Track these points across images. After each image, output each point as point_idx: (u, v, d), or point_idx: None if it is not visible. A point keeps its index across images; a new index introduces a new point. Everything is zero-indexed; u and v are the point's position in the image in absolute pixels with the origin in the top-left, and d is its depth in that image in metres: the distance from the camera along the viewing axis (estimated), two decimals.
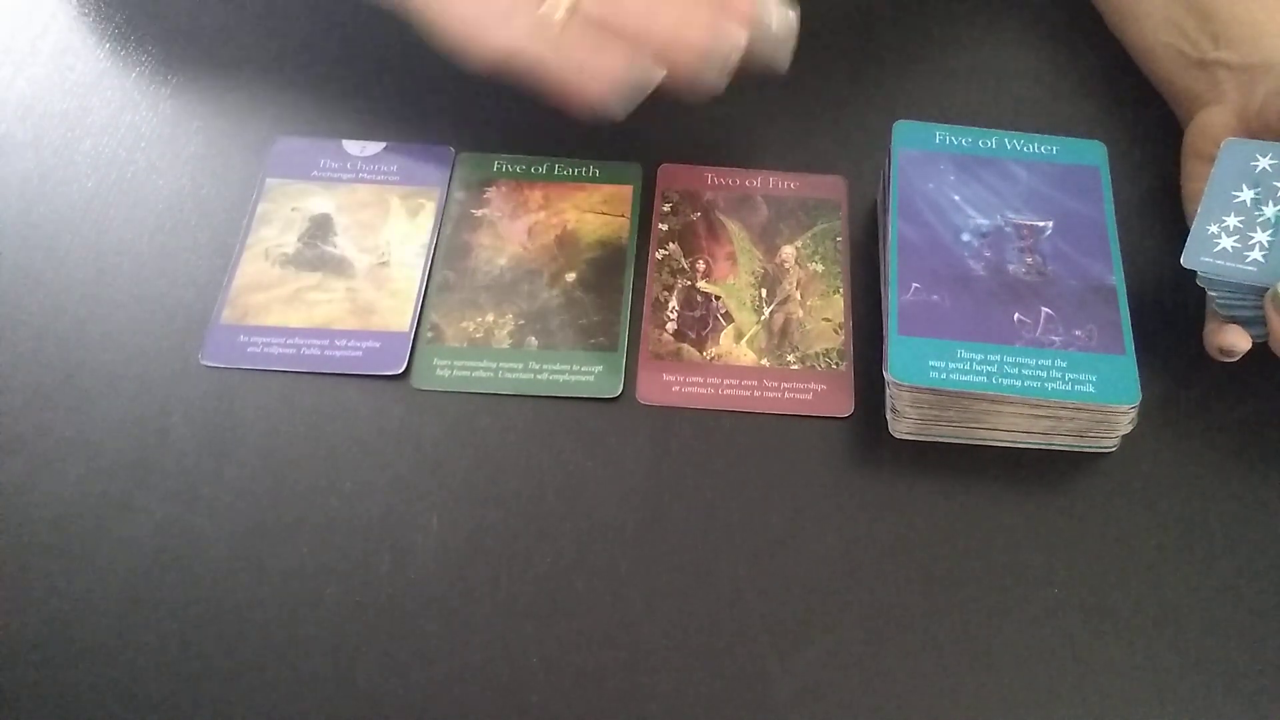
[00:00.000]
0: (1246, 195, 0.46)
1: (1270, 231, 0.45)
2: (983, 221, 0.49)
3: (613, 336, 0.50)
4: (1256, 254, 0.45)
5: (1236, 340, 0.45)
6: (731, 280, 0.52)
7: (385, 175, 0.55)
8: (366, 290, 0.51)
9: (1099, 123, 0.57)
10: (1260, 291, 0.44)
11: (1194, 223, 0.46)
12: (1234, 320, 0.46)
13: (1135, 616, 0.43)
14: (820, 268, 0.52)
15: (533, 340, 0.50)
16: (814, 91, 0.59)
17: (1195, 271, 0.45)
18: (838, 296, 0.51)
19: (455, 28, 0.47)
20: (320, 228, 0.53)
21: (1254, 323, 0.45)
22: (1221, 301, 0.46)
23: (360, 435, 0.47)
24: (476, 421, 0.48)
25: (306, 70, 0.59)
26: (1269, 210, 0.46)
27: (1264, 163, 0.46)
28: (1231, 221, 0.46)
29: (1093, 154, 0.51)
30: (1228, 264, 0.45)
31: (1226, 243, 0.45)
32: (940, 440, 0.47)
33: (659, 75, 0.46)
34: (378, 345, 0.49)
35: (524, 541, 0.45)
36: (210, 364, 0.49)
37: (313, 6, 0.62)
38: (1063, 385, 0.44)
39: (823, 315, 0.51)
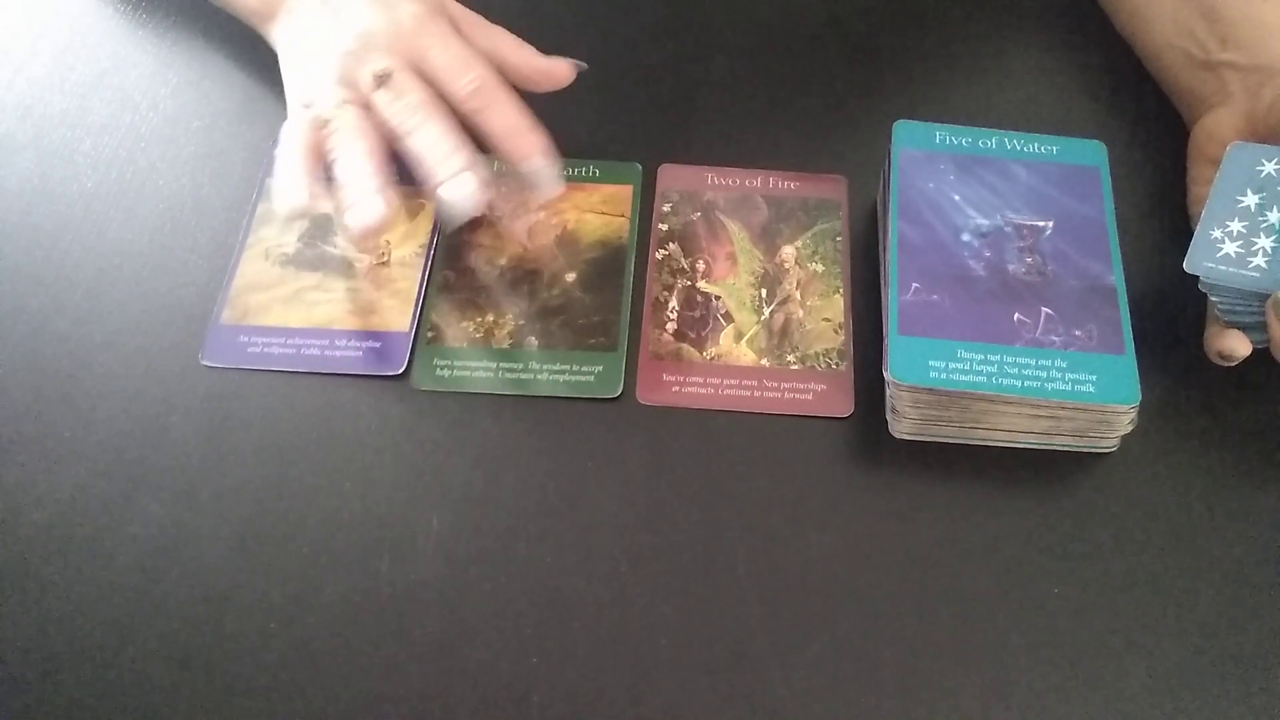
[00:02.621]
0: (1251, 200, 0.46)
1: (1274, 237, 0.45)
2: (983, 221, 0.49)
3: (613, 336, 0.50)
4: (1260, 260, 0.45)
5: (1236, 345, 0.45)
6: (731, 280, 0.52)
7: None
8: (366, 290, 0.51)
9: (1099, 123, 0.57)
10: (1262, 298, 0.44)
11: (1197, 227, 0.46)
12: (1235, 325, 0.46)
13: (1135, 616, 0.43)
14: (820, 268, 0.52)
15: (533, 340, 0.50)
16: (814, 91, 0.59)
17: (1198, 276, 0.45)
18: (838, 296, 0.51)
19: (284, 77, 0.52)
20: (320, 228, 0.53)
21: (1255, 328, 0.45)
22: (1223, 307, 0.46)
23: (360, 435, 0.47)
24: (476, 421, 0.48)
25: None
26: (1273, 216, 0.46)
27: (1269, 167, 0.46)
28: (1235, 227, 0.46)
29: (1093, 154, 0.51)
30: (1230, 269, 0.45)
31: (1230, 248, 0.45)
32: (940, 440, 0.47)
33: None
34: (378, 345, 0.49)
35: (524, 541, 0.45)
36: (210, 364, 0.49)
37: None
38: (1063, 385, 0.44)
39: (823, 315, 0.51)
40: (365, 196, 0.45)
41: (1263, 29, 0.51)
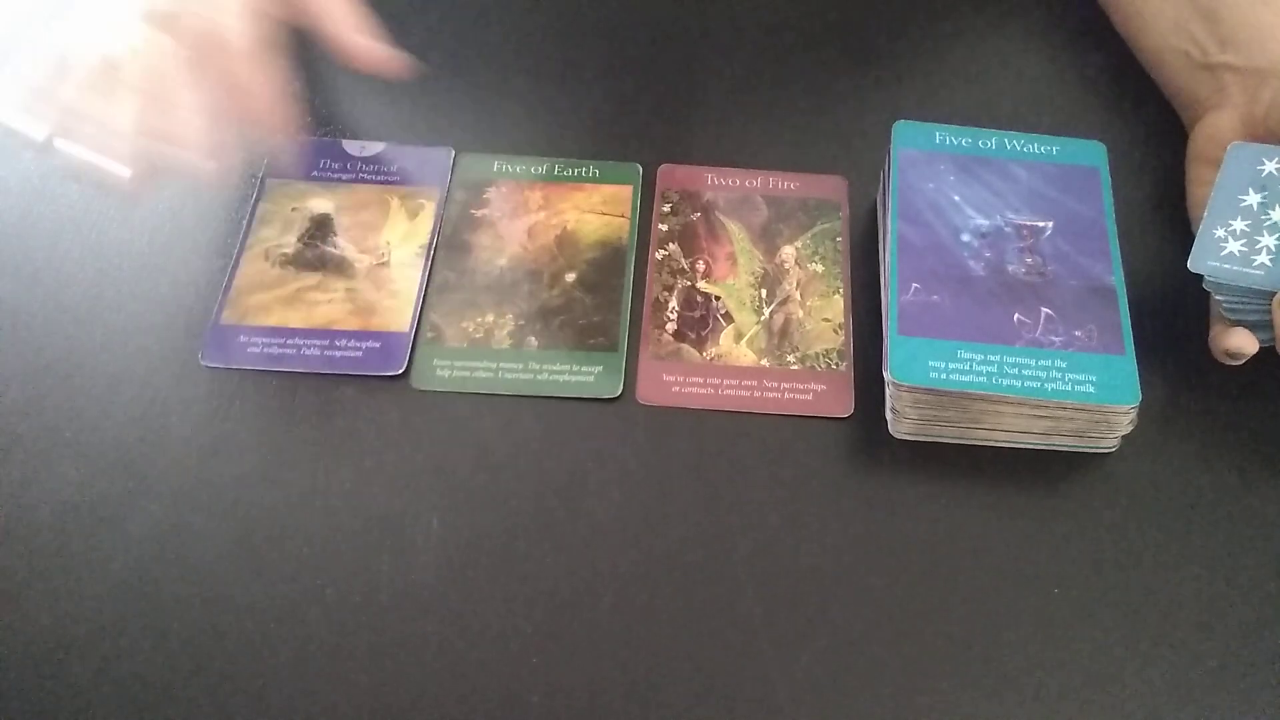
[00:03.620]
0: (1253, 199, 0.46)
1: (1277, 235, 0.45)
2: (983, 222, 0.49)
3: (613, 336, 0.50)
4: (1264, 258, 0.45)
5: (1244, 343, 0.45)
6: (731, 280, 0.52)
7: (385, 175, 0.55)
8: (366, 290, 0.51)
9: (1099, 123, 0.57)
10: (1267, 295, 0.44)
11: (1200, 227, 0.46)
12: (1240, 324, 0.46)
13: (1135, 616, 0.43)
14: (820, 268, 0.52)
15: (533, 340, 0.50)
16: (814, 91, 0.59)
17: (1199, 274, 0.45)
18: (838, 296, 0.51)
19: None
20: (320, 228, 0.53)
21: (1260, 326, 0.45)
22: (1228, 305, 0.46)
23: (360, 435, 0.47)
24: (476, 421, 0.48)
25: (308, 70, 0.59)
26: (1276, 214, 0.46)
27: (1270, 166, 0.46)
28: (1238, 225, 0.46)
29: (1093, 154, 0.51)
30: (1235, 268, 0.45)
31: (1233, 247, 0.45)
32: (940, 440, 0.47)
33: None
34: (378, 345, 0.49)
35: (524, 541, 0.45)
36: (210, 364, 0.49)
37: None
38: (1063, 385, 0.44)
39: (823, 315, 0.51)
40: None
41: (1261, 30, 0.51)
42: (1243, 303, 0.45)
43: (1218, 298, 0.46)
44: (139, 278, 0.51)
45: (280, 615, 0.43)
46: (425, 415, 0.48)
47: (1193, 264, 0.45)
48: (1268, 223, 0.46)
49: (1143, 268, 0.51)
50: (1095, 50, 0.60)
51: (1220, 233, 0.46)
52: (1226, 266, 0.45)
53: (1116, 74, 0.59)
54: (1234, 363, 0.46)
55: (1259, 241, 0.45)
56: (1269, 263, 0.45)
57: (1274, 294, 0.44)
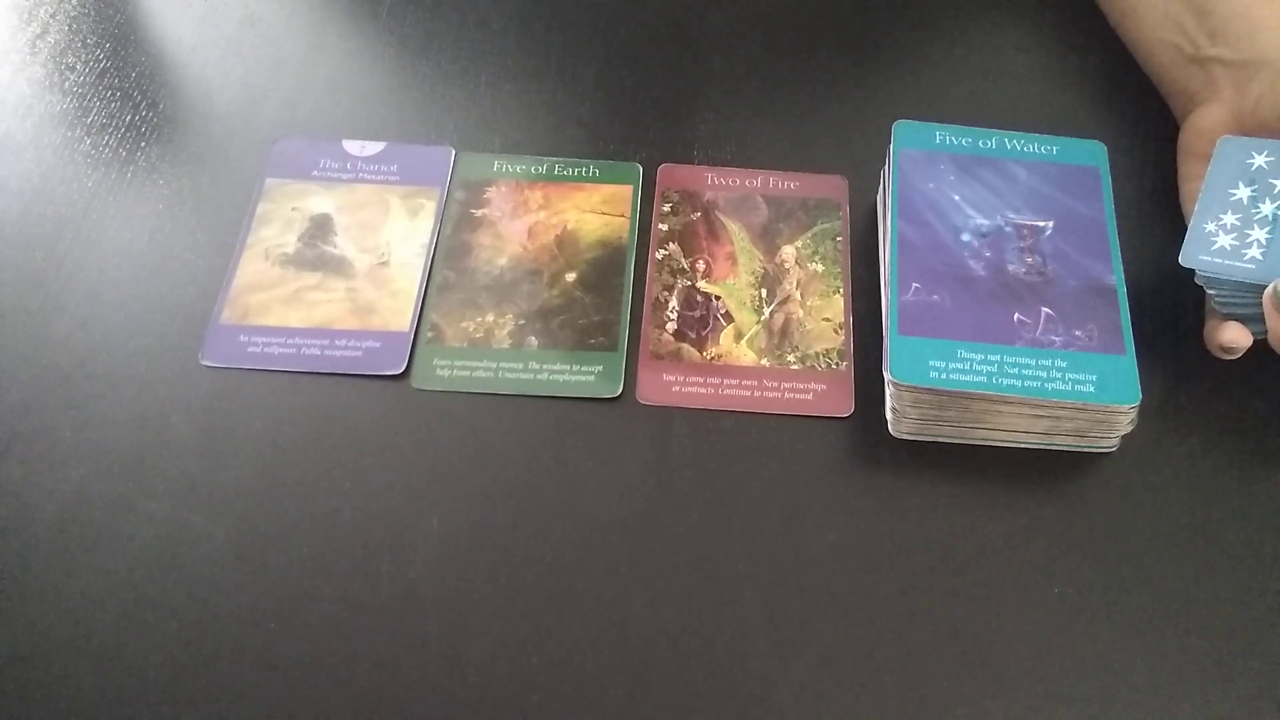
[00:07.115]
0: (1243, 193, 0.46)
1: (1268, 229, 0.45)
2: (983, 221, 0.49)
3: (613, 336, 0.50)
4: (1254, 251, 0.45)
5: (1237, 337, 0.45)
6: (731, 280, 0.52)
7: (385, 175, 0.55)
8: (366, 290, 0.51)
9: (1099, 123, 0.57)
10: (1259, 289, 0.44)
11: (1191, 221, 0.46)
12: (1233, 318, 0.46)
13: (1135, 616, 0.43)
14: (820, 268, 0.52)
15: (533, 340, 0.50)
16: (814, 91, 0.59)
17: (1194, 270, 0.45)
18: (838, 296, 0.51)
19: None
20: (320, 228, 0.53)
21: (1254, 320, 0.45)
22: (1220, 299, 0.46)
23: (360, 435, 0.47)
24: (476, 421, 0.48)
25: (307, 70, 0.59)
26: (1266, 208, 0.46)
27: (1260, 160, 0.46)
28: (1229, 219, 0.46)
29: (1093, 154, 0.51)
30: (1226, 262, 0.45)
31: (1224, 240, 0.45)
32: (940, 440, 0.47)
33: None
34: (378, 345, 0.49)
35: (524, 541, 0.44)
36: (210, 364, 0.49)
37: (312, 5, 0.62)
38: (1063, 385, 0.44)
39: (823, 315, 0.51)
40: None
41: (1251, 24, 0.51)
42: (1235, 297, 0.45)
43: (1210, 292, 0.46)
44: (139, 278, 0.51)
45: (280, 615, 0.43)
46: (425, 415, 0.48)
47: (1184, 259, 0.45)
48: (1258, 216, 0.46)
49: (1143, 267, 0.51)
50: (1095, 50, 0.60)
51: (1211, 227, 0.46)
52: (1218, 260, 0.45)
53: (1116, 74, 0.59)
54: (1229, 357, 0.46)
55: (1249, 235, 0.45)
56: (1260, 256, 0.45)
57: (1265, 287, 0.44)
